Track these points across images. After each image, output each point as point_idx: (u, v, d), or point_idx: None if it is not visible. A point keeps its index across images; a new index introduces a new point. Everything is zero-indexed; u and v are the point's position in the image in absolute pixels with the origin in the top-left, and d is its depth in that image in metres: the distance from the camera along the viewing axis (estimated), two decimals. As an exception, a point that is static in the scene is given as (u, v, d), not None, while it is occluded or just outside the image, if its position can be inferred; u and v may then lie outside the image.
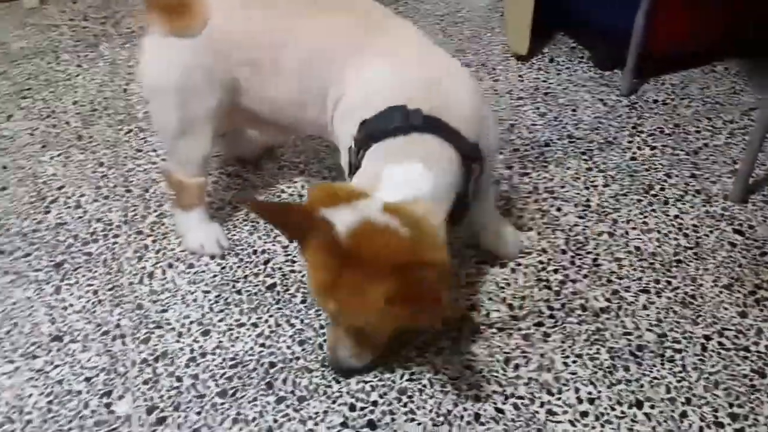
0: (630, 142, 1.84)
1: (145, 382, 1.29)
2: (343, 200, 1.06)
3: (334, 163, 1.78)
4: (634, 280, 1.46)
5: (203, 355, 1.33)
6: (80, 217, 1.65)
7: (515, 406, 1.24)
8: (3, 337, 1.39)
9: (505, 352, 1.33)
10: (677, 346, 1.33)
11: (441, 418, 1.22)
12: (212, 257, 1.52)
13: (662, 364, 1.30)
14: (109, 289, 1.47)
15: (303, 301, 1.43)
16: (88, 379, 1.31)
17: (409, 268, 1.01)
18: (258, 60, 1.30)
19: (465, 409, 1.23)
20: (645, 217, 1.61)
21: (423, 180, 1.09)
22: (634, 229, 1.58)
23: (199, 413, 1.24)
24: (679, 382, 1.27)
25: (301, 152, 1.82)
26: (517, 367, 1.30)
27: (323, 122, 1.30)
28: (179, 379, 1.29)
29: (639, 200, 1.66)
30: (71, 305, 1.44)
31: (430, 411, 1.23)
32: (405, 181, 1.08)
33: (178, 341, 1.36)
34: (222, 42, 1.29)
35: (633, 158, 1.78)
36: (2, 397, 1.28)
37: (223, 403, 1.25)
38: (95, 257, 1.54)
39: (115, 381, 1.30)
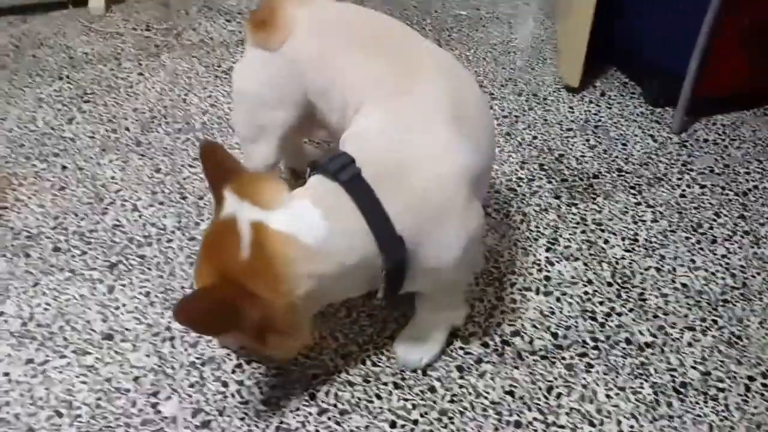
0: (679, 179, 1.84)
1: (192, 385, 1.32)
2: (246, 190, 1.08)
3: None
4: (680, 317, 1.46)
5: (249, 362, 1.36)
6: (136, 221, 1.69)
7: (556, 434, 1.24)
8: (56, 333, 1.43)
9: (547, 381, 1.33)
10: (721, 385, 1.32)
11: (481, 441, 1.23)
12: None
13: (705, 402, 1.29)
14: (161, 292, 1.51)
15: (347, 316, 1.45)
16: (136, 379, 1.34)
17: (222, 284, 1.04)
18: (320, 87, 1.30)
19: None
20: (692, 254, 1.61)
21: (311, 224, 1.04)
22: (681, 266, 1.58)
23: (242, 419, 1.26)
24: (721, 421, 1.26)
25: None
26: (559, 396, 1.31)
27: None
28: (225, 384, 1.32)
29: (687, 237, 1.66)
30: (124, 305, 1.48)
31: (471, 433, 1.24)
32: (296, 215, 1.05)
33: (225, 347, 1.39)
34: (296, 62, 1.31)
35: (682, 195, 1.78)
36: (53, 391, 1.32)
37: (266, 411, 1.27)
38: (149, 260, 1.59)
39: (162, 382, 1.33)
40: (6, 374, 1.35)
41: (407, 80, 1.17)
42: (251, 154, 1.47)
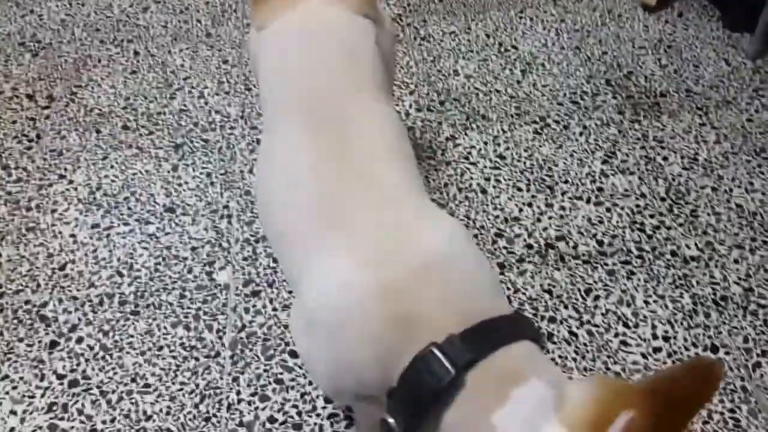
0: (749, 104, 1.79)
1: (245, 259, 1.39)
2: None
3: (444, 88, 1.81)
4: (729, 235, 1.45)
5: (299, 242, 1.42)
6: (202, 107, 1.75)
7: (589, 333, 1.27)
8: (121, 203, 1.51)
9: (587, 283, 1.35)
10: (762, 302, 1.32)
11: (515, 332, 1.27)
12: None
13: (744, 316, 1.30)
14: (222, 174, 1.57)
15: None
16: (194, 249, 1.41)
17: None
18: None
19: (539, 327, 1.27)
20: (752, 177, 1.58)
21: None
22: (738, 187, 1.56)
23: (290, 292, 1.33)
24: (758, 335, 1.26)
25: (413, 74, 1.87)
26: (597, 298, 1.33)
27: None
28: (275, 261, 1.38)
29: (749, 161, 1.62)
30: (186, 183, 1.55)
31: (506, 324, 1.28)
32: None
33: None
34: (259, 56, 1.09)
35: (749, 120, 1.74)
36: (115, 254, 1.41)
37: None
38: (212, 144, 1.65)
39: (218, 253, 1.40)
40: (72, 236, 1.44)
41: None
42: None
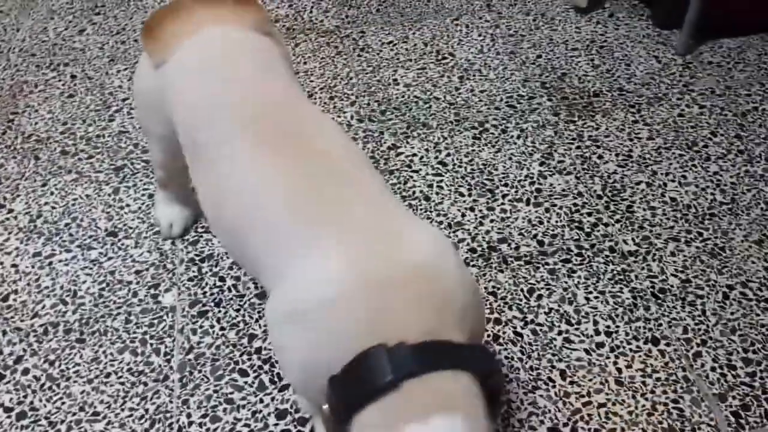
0: (679, 99, 1.85)
1: (191, 279, 1.39)
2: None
3: (385, 97, 1.83)
4: (665, 228, 1.49)
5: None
6: (141, 128, 1.74)
7: (534, 332, 1.30)
8: (62, 229, 1.49)
9: (530, 283, 1.38)
10: (699, 292, 1.36)
11: (462, 336, 1.29)
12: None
13: (683, 307, 1.34)
14: (163, 194, 1.56)
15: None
16: (138, 272, 1.41)
17: None
18: (188, 141, 1.00)
19: (485, 330, 1.30)
20: (684, 171, 1.63)
21: None
22: (672, 181, 1.61)
23: (237, 310, 1.33)
24: (697, 325, 1.31)
25: (354, 85, 1.88)
26: (540, 297, 1.36)
27: None
28: (222, 279, 1.38)
29: (681, 155, 1.67)
30: (128, 205, 1.54)
31: (453, 329, 1.30)
32: None
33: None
34: (166, 90, 1.05)
35: (680, 115, 1.79)
36: (58, 282, 1.39)
37: (260, 303, 1.34)
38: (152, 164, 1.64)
39: (163, 275, 1.40)
40: (14, 266, 1.42)
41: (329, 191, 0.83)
42: (149, 146, 1.31)
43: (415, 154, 1.67)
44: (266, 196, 0.85)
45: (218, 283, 1.38)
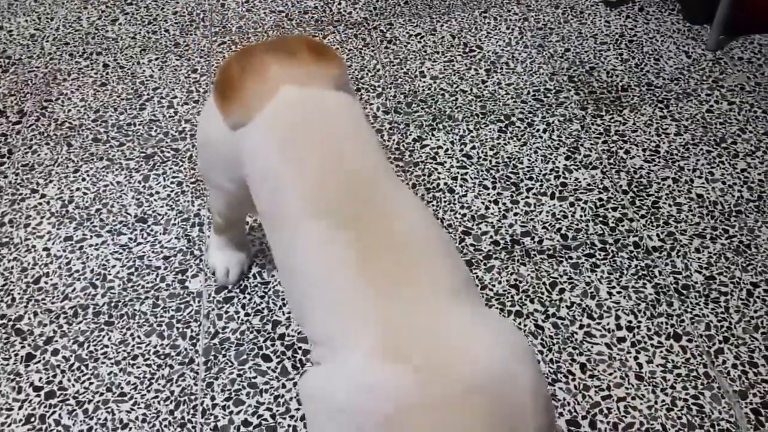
0: (708, 95, 1.83)
1: (216, 266, 1.41)
2: None
3: (411, 90, 1.84)
4: (691, 225, 1.48)
5: (270, 248, 1.44)
6: (171, 117, 1.77)
7: (555, 325, 1.30)
8: (93, 215, 1.53)
9: (552, 277, 1.39)
10: (723, 289, 1.36)
11: (483, 328, 1.30)
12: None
13: (706, 304, 1.33)
14: (192, 183, 1.59)
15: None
16: (166, 258, 1.43)
17: None
18: (263, 206, 0.98)
19: None
20: (712, 167, 1.62)
21: None
22: (699, 177, 1.60)
23: (262, 297, 1.35)
24: (719, 321, 1.30)
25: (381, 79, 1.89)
26: (562, 291, 1.36)
27: None
28: (248, 267, 1.41)
29: (709, 151, 1.66)
30: (157, 192, 1.57)
31: (474, 320, 1.31)
32: None
33: (249, 234, 1.47)
34: (243, 153, 1.01)
35: (709, 111, 1.78)
36: (88, 266, 1.42)
37: (284, 291, 1.36)
38: (182, 153, 1.66)
39: (190, 262, 1.42)
40: (46, 249, 1.46)
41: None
42: (210, 194, 1.26)
43: (440, 147, 1.68)
44: (335, 275, 0.82)
45: (243, 270, 1.40)
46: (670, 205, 1.53)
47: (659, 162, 1.64)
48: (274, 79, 0.97)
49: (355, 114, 0.98)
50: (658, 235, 1.47)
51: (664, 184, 1.58)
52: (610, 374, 1.24)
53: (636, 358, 1.26)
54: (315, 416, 0.79)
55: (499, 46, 1.99)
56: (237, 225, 1.34)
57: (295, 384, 1.23)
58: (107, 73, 1.91)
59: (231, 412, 1.19)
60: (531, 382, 0.73)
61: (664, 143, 1.68)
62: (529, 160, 1.64)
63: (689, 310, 1.33)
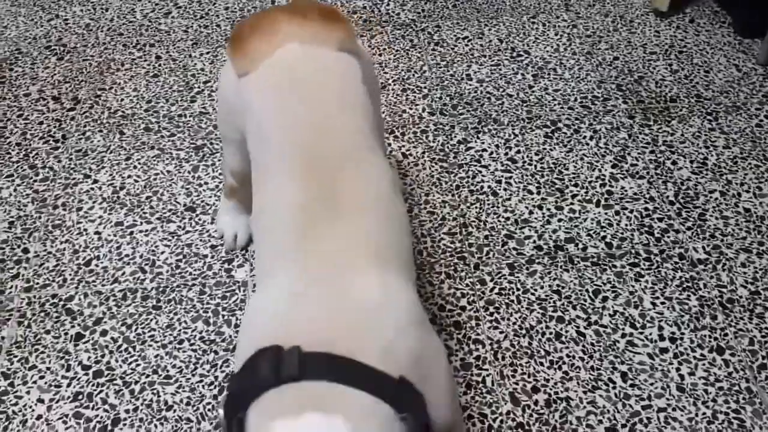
0: (758, 109, 1.81)
1: (262, 257, 1.43)
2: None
3: (457, 92, 1.85)
4: (737, 239, 1.47)
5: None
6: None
7: (597, 333, 1.30)
8: (144, 202, 1.56)
9: (595, 284, 1.39)
10: (769, 305, 1.35)
11: (523, 331, 1.30)
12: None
13: (750, 319, 1.32)
14: (240, 174, 1.62)
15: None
16: (213, 247, 1.46)
17: None
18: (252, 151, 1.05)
19: (547, 327, 1.31)
20: (760, 182, 1.61)
21: None
22: (747, 191, 1.58)
23: (305, 290, 1.37)
24: (764, 337, 1.29)
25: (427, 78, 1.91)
26: (605, 299, 1.36)
27: None
28: (291, 259, 1.43)
29: (757, 166, 1.65)
30: (206, 183, 1.60)
31: (514, 323, 1.32)
32: None
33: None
34: (242, 101, 1.07)
35: (759, 125, 1.76)
36: (138, 251, 1.46)
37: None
38: (230, 145, 1.69)
39: (236, 252, 1.45)
40: (97, 233, 1.49)
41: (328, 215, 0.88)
42: (224, 152, 1.31)
43: (485, 150, 1.68)
44: (278, 219, 0.89)
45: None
46: (716, 218, 1.52)
47: (707, 174, 1.63)
48: (280, 35, 1.03)
49: (351, 75, 1.04)
50: (703, 247, 1.46)
51: (711, 197, 1.57)
52: (651, 384, 1.23)
53: (678, 369, 1.25)
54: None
55: (547, 51, 1.99)
56: (246, 186, 1.35)
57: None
58: (159, 65, 1.95)
59: (273, 401, 1.21)
60: (394, 327, 0.79)
61: (712, 156, 1.67)
62: (575, 166, 1.64)
63: (733, 324, 1.32)
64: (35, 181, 1.61)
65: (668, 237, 1.48)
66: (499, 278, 1.40)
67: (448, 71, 1.92)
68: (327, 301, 0.78)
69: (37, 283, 1.39)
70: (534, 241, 1.47)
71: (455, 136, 1.72)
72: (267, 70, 1.03)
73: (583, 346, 1.28)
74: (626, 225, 1.50)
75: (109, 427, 1.18)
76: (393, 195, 0.94)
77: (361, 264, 0.83)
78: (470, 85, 1.87)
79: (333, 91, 1.00)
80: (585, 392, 1.23)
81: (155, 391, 1.23)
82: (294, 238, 0.85)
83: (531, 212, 1.53)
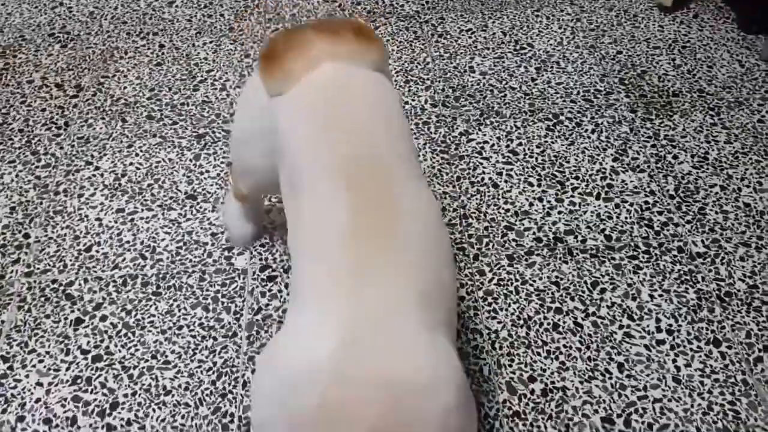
0: (761, 105, 1.81)
1: (263, 245, 1.44)
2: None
3: (460, 84, 1.85)
4: (737, 233, 1.48)
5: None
6: (223, 99, 1.80)
7: (594, 324, 1.31)
8: (145, 189, 1.57)
9: (594, 276, 1.39)
10: (766, 299, 1.35)
11: (521, 321, 1.31)
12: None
13: (748, 312, 1.33)
14: (241, 163, 1.62)
15: (412, 201, 1.53)
16: (213, 234, 1.47)
17: None
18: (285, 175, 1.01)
19: (545, 318, 1.31)
20: (761, 177, 1.61)
21: None
22: (747, 186, 1.58)
23: (304, 278, 1.37)
24: (760, 330, 1.30)
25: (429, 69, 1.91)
26: (603, 291, 1.36)
27: None
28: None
29: (758, 161, 1.65)
30: (207, 171, 1.60)
31: (512, 314, 1.32)
32: None
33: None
34: (275, 122, 1.02)
35: (760, 121, 1.76)
36: (139, 237, 1.46)
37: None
38: (232, 134, 1.70)
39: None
40: (98, 219, 1.50)
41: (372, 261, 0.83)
42: (239, 166, 1.24)
43: (486, 142, 1.69)
44: (325, 245, 0.85)
45: (287, 251, 1.43)
46: (716, 213, 1.52)
47: (707, 169, 1.63)
48: (316, 54, 0.99)
49: (389, 98, 1.00)
50: (702, 241, 1.46)
51: (711, 191, 1.57)
52: (648, 375, 1.24)
53: (674, 361, 1.26)
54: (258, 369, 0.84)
55: (551, 45, 1.99)
56: (258, 196, 1.40)
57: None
58: (163, 54, 1.95)
59: (270, 387, 1.22)
60: (444, 410, 0.76)
61: (713, 150, 1.67)
62: (576, 159, 1.64)
63: (730, 317, 1.32)
64: (37, 167, 1.61)
65: (668, 230, 1.48)
66: (498, 269, 1.40)
67: (451, 63, 1.92)
68: (376, 372, 0.74)
69: (38, 268, 1.40)
70: (534, 233, 1.47)
71: (457, 128, 1.72)
72: (304, 90, 0.98)
73: (581, 336, 1.29)
74: (626, 218, 1.51)
75: (108, 411, 1.19)
76: (440, 227, 0.92)
77: (411, 320, 0.79)
78: (473, 77, 1.88)
79: (376, 113, 0.97)
80: (581, 382, 1.23)
81: (154, 376, 1.24)
82: (345, 269, 0.81)
83: (531, 204, 1.53)
